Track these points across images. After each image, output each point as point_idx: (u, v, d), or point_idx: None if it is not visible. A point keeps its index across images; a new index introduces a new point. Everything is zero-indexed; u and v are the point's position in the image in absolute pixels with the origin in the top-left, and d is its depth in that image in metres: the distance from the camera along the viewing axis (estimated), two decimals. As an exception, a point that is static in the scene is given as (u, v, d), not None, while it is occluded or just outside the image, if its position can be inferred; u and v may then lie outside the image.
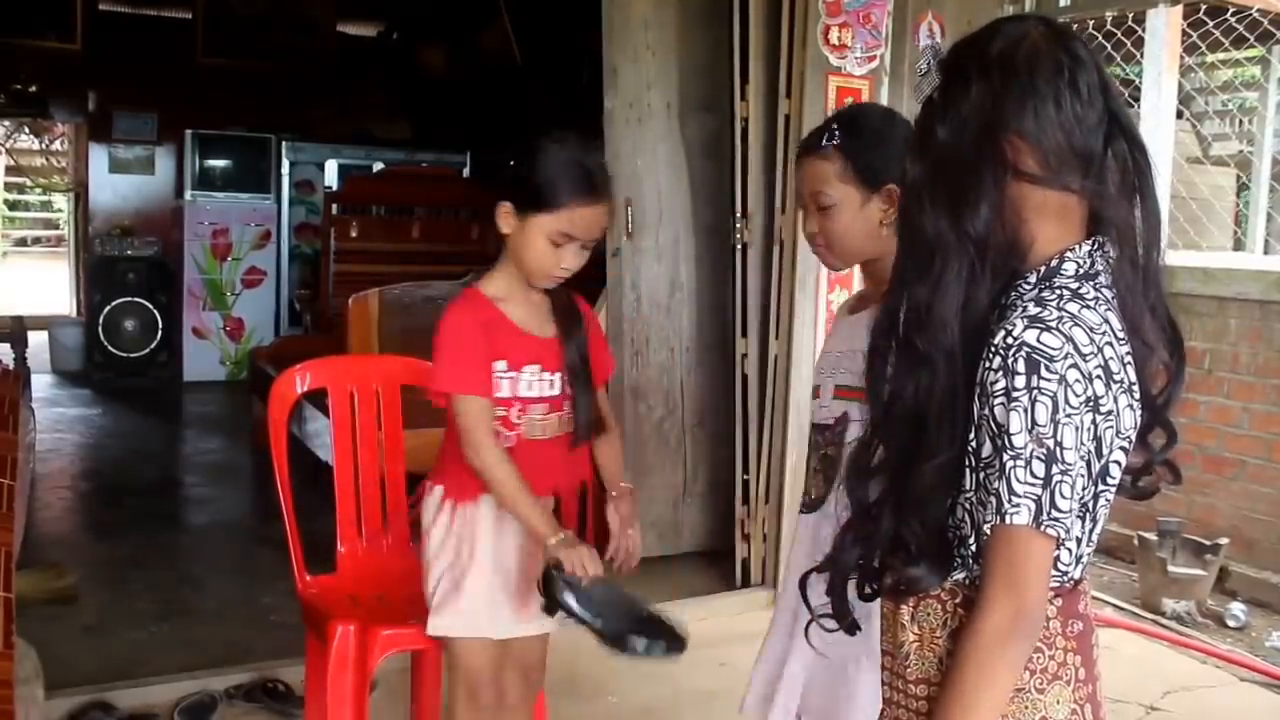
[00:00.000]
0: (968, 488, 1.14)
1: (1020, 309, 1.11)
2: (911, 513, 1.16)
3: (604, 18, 3.60)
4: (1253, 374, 3.87)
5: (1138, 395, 1.16)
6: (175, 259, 7.13)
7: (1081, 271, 1.14)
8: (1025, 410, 1.07)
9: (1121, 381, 1.13)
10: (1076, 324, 1.10)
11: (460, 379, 1.82)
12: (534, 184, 1.82)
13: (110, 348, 6.93)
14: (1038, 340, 1.07)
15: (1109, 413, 1.11)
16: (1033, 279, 1.14)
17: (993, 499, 1.09)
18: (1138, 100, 5.21)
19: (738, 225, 3.54)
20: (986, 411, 1.09)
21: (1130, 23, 4.68)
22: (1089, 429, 1.09)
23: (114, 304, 6.93)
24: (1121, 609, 3.64)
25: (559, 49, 6.32)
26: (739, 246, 3.55)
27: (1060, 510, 1.08)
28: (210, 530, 4.30)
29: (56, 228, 13.12)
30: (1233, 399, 3.93)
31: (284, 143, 7.31)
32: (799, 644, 1.67)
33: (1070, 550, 1.15)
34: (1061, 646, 1.18)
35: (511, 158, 1.92)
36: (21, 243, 14.07)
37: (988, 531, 1.10)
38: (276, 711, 2.65)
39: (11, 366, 4.63)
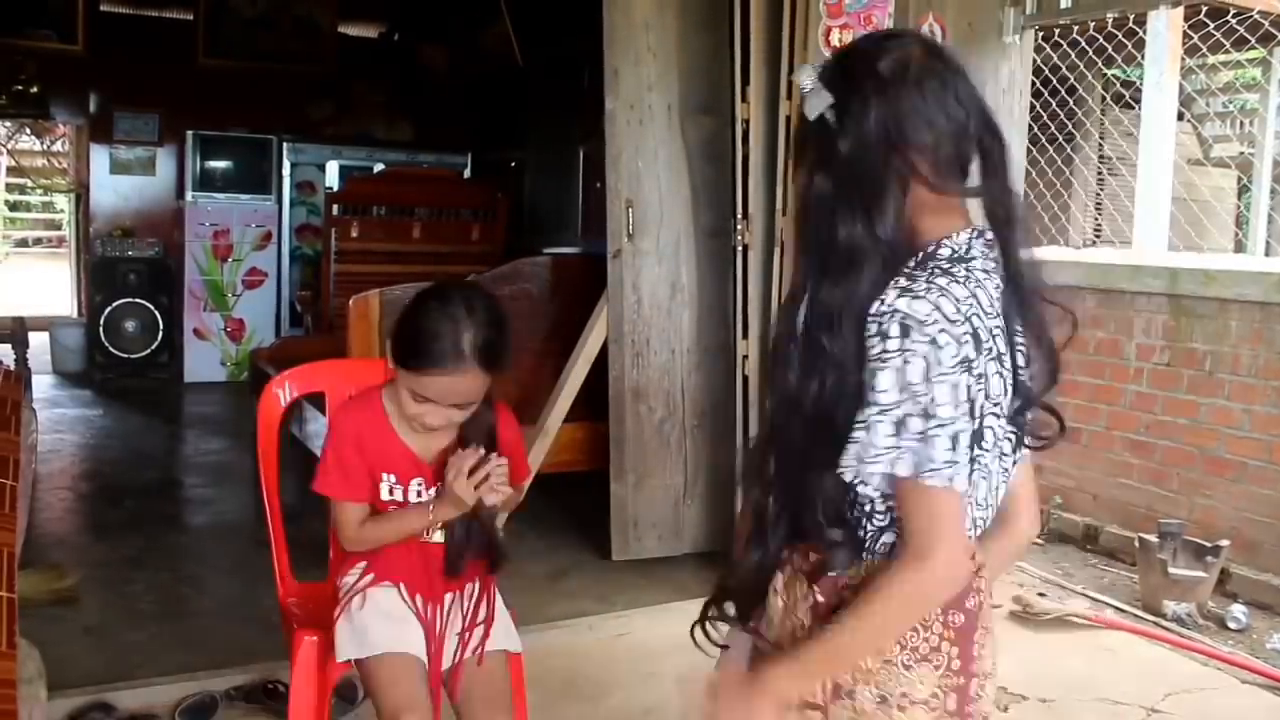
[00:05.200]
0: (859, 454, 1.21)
1: (895, 282, 1.20)
2: (813, 509, 1.24)
3: (605, 20, 3.60)
4: (1254, 376, 3.87)
5: (1007, 365, 1.25)
6: (176, 260, 7.15)
7: (955, 255, 1.24)
8: (898, 369, 1.15)
9: (990, 350, 1.21)
10: (943, 295, 1.18)
11: (341, 487, 1.95)
12: (400, 338, 1.89)
13: (111, 348, 6.94)
14: (909, 307, 1.16)
15: (980, 375, 1.19)
16: (912, 263, 1.23)
17: (881, 457, 1.17)
18: (1139, 102, 5.22)
19: (738, 227, 3.54)
20: (866, 377, 1.18)
21: (1131, 24, 4.67)
22: (965, 389, 1.17)
23: (115, 305, 6.94)
24: (1122, 611, 3.64)
25: (560, 50, 6.32)
26: (739, 248, 3.55)
27: (936, 462, 1.15)
28: (211, 531, 4.30)
29: (58, 228, 13.12)
30: (1234, 401, 3.92)
31: (285, 144, 7.32)
32: None
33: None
34: (937, 632, 1.26)
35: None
36: (23, 243, 14.07)
37: (879, 488, 1.20)
38: (276, 712, 2.65)
39: (13, 367, 4.63)
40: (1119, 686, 3.02)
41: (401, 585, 1.97)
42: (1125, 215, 5.30)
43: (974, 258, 1.24)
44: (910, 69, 1.22)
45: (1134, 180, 5.16)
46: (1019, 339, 1.27)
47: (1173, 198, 5.02)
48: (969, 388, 1.17)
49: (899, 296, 1.17)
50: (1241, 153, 5.97)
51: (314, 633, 2.07)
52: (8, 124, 8.26)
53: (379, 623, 1.93)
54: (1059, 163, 5.39)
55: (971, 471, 1.21)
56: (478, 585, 2.04)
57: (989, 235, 1.26)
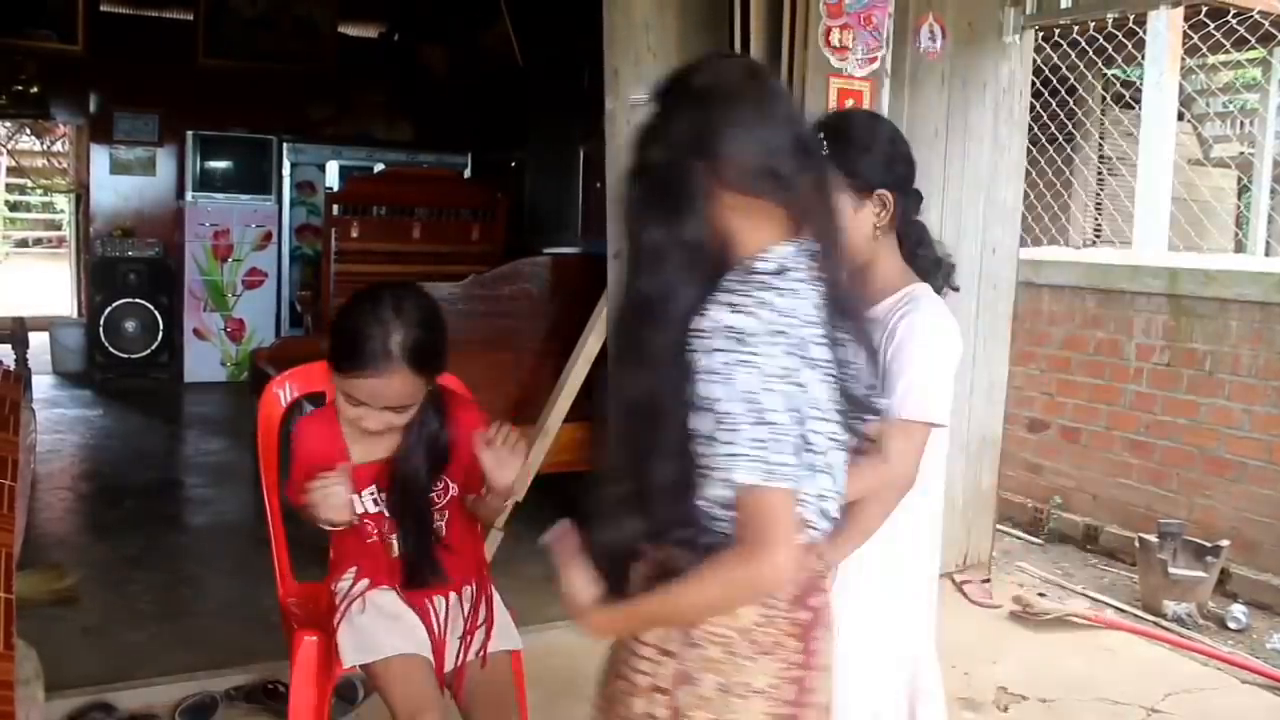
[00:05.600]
0: (699, 464, 1.26)
1: (718, 297, 1.25)
2: (659, 503, 1.29)
3: (605, 20, 3.59)
4: (1254, 376, 3.87)
5: (831, 372, 1.31)
6: (176, 260, 7.14)
7: (776, 268, 1.29)
8: (732, 381, 1.20)
9: (812, 359, 1.27)
10: (766, 308, 1.24)
11: (301, 496, 1.90)
12: (335, 339, 1.86)
13: (111, 349, 6.94)
14: (735, 321, 1.22)
15: (801, 385, 1.25)
16: (735, 276, 1.29)
17: (717, 465, 1.22)
18: (1139, 102, 5.22)
19: (738, 227, 3.53)
20: (699, 390, 1.23)
21: (1131, 24, 4.68)
22: (789, 396, 1.23)
23: (115, 305, 6.94)
24: (1122, 611, 3.64)
25: (560, 50, 6.32)
26: (740, 248, 3.55)
27: (778, 464, 1.21)
28: (211, 531, 4.30)
29: (58, 229, 13.13)
30: (1234, 401, 3.93)
31: (285, 144, 7.31)
32: None
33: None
34: (782, 628, 1.31)
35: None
36: (23, 244, 14.08)
37: (718, 495, 1.23)
38: (276, 713, 2.65)
39: (12, 367, 4.63)
40: (1119, 686, 3.02)
41: (397, 587, 1.97)
42: (1125, 215, 5.31)
43: (794, 269, 1.30)
44: (724, 87, 1.30)
45: (1134, 180, 5.16)
46: (844, 347, 1.33)
47: (1173, 198, 5.02)
48: (794, 395, 1.23)
49: (724, 311, 1.23)
50: (1241, 153, 5.97)
51: (314, 633, 2.07)
52: (8, 124, 8.27)
53: (382, 625, 1.93)
54: (1059, 163, 5.39)
55: (806, 471, 1.27)
56: (475, 587, 2.04)
57: (811, 247, 1.32)
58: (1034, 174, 4.81)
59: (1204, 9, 4.48)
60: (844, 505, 1.40)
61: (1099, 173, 6.30)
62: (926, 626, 1.76)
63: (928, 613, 1.76)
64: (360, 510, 1.95)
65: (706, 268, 1.28)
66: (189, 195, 7.13)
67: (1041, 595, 3.70)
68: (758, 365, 1.21)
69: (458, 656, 1.97)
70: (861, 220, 1.66)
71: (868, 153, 1.66)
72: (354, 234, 5.85)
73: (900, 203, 1.66)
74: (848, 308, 1.35)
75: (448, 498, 1.99)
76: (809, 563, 1.34)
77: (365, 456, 1.94)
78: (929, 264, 1.73)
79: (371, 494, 1.95)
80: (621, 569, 1.38)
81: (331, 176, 7.20)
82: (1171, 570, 3.60)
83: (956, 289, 1.77)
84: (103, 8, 7.20)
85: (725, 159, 1.28)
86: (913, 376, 1.61)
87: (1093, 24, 3.99)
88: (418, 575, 1.95)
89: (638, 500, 1.31)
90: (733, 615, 1.30)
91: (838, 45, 3.31)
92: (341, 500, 1.84)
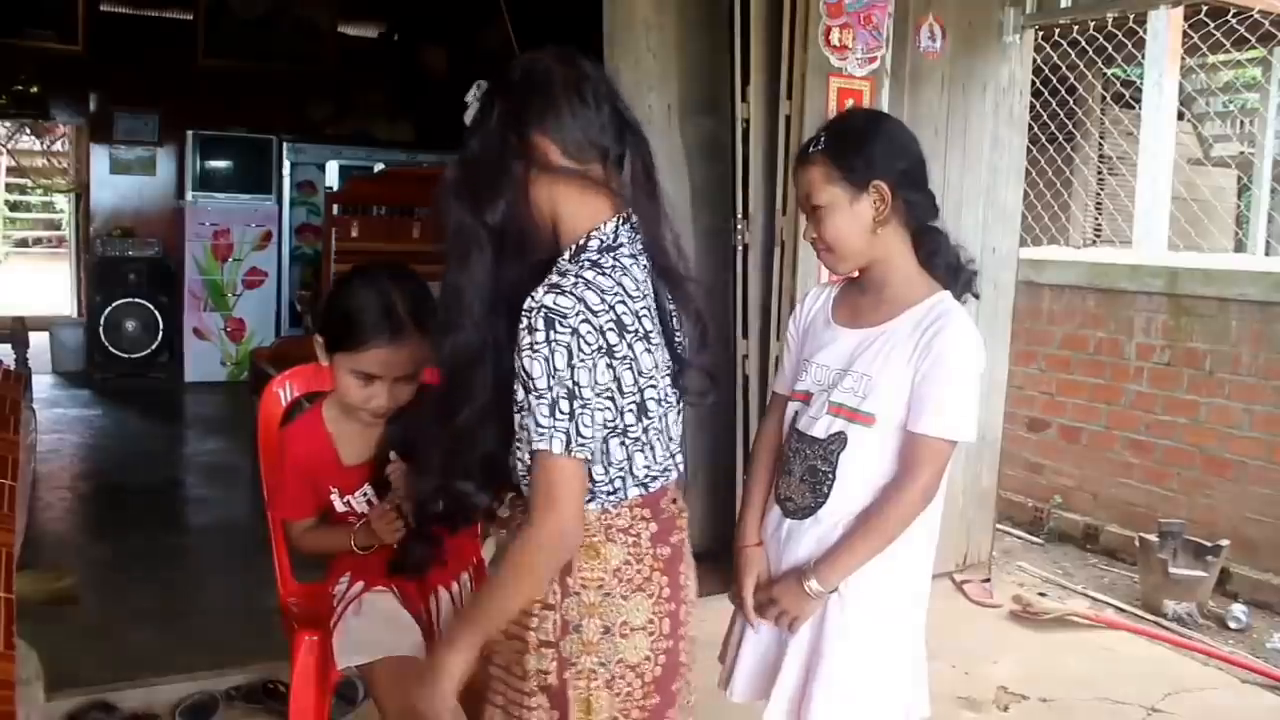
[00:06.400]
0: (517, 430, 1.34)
1: (548, 279, 1.33)
2: (460, 448, 1.40)
3: (605, 20, 3.60)
4: (1254, 375, 3.87)
5: (656, 341, 1.40)
6: (176, 260, 7.15)
7: (605, 245, 1.37)
8: (546, 359, 1.28)
9: (636, 331, 1.36)
10: (589, 288, 1.32)
11: (287, 508, 2.01)
12: (335, 321, 1.87)
13: (111, 348, 6.94)
14: (554, 302, 1.29)
15: (624, 357, 1.34)
16: (567, 255, 1.37)
17: (526, 433, 1.30)
18: (1139, 102, 5.22)
19: (738, 227, 3.53)
20: (518, 364, 1.30)
21: (1131, 24, 4.68)
22: (605, 371, 1.32)
23: (115, 305, 6.94)
24: (1122, 610, 3.64)
25: (560, 50, 6.32)
26: (739, 248, 3.55)
27: (585, 437, 1.30)
28: (211, 531, 4.30)
29: (58, 228, 13.13)
30: (1234, 400, 3.93)
31: (285, 143, 7.32)
32: (793, 641, 1.68)
33: (644, 466, 1.40)
34: (649, 564, 1.42)
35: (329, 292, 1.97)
36: (23, 243, 14.08)
37: (526, 460, 1.33)
38: (276, 712, 2.65)
39: (12, 367, 4.63)
40: (1119, 686, 3.02)
41: (394, 588, 1.97)
42: (1125, 215, 5.31)
43: (621, 244, 1.38)
44: (537, 71, 1.38)
45: (1134, 180, 5.16)
46: (671, 309, 1.43)
47: (1173, 197, 5.02)
48: (609, 369, 1.32)
49: (547, 293, 1.30)
50: (1241, 152, 5.98)
51: (314, 633, 2.07)
52: (8, 124, 8.26)
53: (378, 628, 1.92)
54: (1059, 163, 5.39)
55: (649, 437, 1.39)
56: (471, 580, 2.04)
57: (635, 219, 1.40)
58: (1034, 174, 4.81)
59: (1204, 9, 4.48)
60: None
61: (1099, 172, 6.30)
62: (920, 632, 1.76)
63: (922, 618, 1.75)
64: (360, 510, 1.96)
65: (517, 246, 1.35)
66: (189, 195, 7.13)
67: (1042, 595, 3.71)
68: (569, 344, 1.28)
69: None
70: (859, 213, 1.64)
71: (865, 144, 1.64)
72: (354, 234, 5.85)
73: (901, 197, 1.64)
74: (673, 276, 1.43)
75: None
76: (665, 505, 1.44)
77: (354, 458, 1.94)
78: (946, 271, 1.71)
79: (365, 495, 1.95)
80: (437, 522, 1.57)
81: (331, 176, 7.21)
82: (1172, 570, 3.60)
83: (977, 296, 1.75)
84: (103, 8, 7.21)
85: (545, 136, 1.35)
86: (945, 395, 1.60)
87: (1093, 24, 3.99)
88: (407, 558, 1.92)
89: (447, 443, 1.40)
90: (602, 558, 1.38)
91: (838, 45, 3.32)
92: (397, 525, 1.87)
